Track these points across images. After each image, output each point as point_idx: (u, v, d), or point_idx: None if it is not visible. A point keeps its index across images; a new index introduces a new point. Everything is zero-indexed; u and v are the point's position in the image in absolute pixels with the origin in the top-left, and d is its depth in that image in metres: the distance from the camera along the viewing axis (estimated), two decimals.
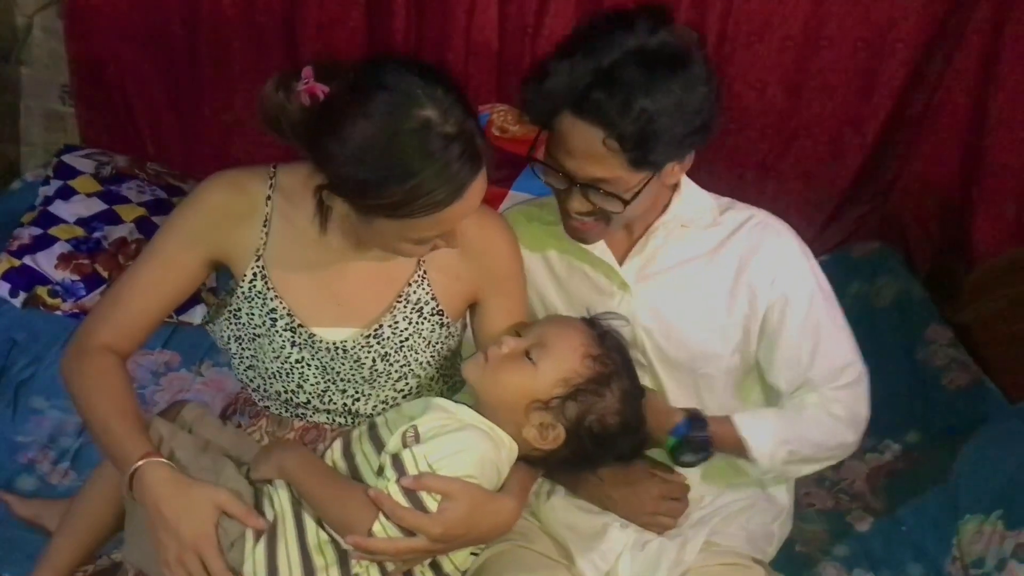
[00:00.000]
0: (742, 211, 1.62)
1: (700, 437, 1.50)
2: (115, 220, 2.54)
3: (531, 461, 1.47)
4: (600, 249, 1.58)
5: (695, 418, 1.51)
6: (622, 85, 1.35)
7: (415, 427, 1.40)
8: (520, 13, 2.61)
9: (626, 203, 1.43)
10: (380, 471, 1.39)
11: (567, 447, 1.43)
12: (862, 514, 2.02)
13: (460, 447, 1.37)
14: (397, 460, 1.36)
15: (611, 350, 1.46)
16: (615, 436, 1.44)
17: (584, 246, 1.58)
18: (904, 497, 2.03)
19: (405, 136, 1.28)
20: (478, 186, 1.35)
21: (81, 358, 1.49)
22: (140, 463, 1.37)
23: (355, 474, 1.43)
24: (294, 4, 2.66)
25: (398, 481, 1.34)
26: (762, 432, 1.53)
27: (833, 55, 2.55)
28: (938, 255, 2.72)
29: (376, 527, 1.33)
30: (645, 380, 1.58)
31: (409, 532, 1.34)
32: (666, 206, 1.58)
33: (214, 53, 2.77)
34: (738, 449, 1.53)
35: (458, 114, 1.31)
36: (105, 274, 2.43)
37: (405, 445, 1.38)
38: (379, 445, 1.43)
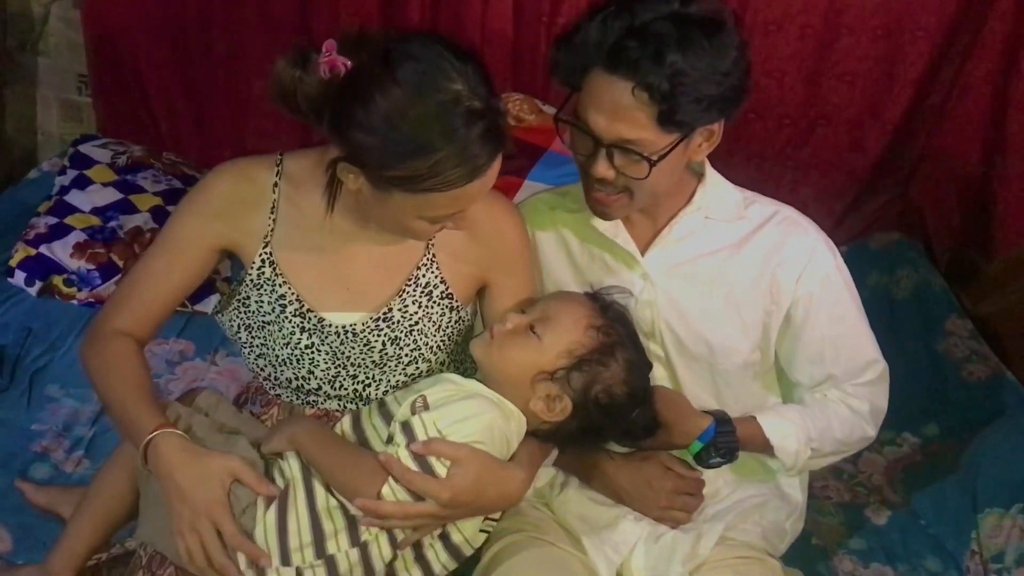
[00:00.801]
0: (767, 206, 1.59)
1: (728, 441, 1.50)
2: (131, 209, 2.55)
3: (541, 436, 1.47)
4: (623, 239, 1.57)
5: (722, 421, 1.51)
6: (655, 38, 1.34)
7: (423, 396, 1.41)
8: (536, 2, 2.59)
9: (652, 164, 1.40)
10: (390, 440, 1.39)
11: (575, 419, 1.43)
12: (879, 507, 2.00)
13: (468, 413, 1.39)
14: (407, 426, 1.37)
15: (614, 321, 1.46)
16: (622, 407, 1.44)
17: (607, 235, 1.57)
18: (922, 490, 2.01)
19: (433, 108, 1.27)
20: (495, 167, 1.34)
21: (99, 342, 1.50)
22: (155, 433, 1.39)
23: (365, 445, 1.44)
24: None
25: (408, 446, 1.35)
26: (787, 432, 1.52)
27: (852, 43, 2.52)
28: (959, 246, 2.68)
29: (385, 490, 1.34)
30: (661, 373, 1.58)
31: (418, 497, 1.35)
32: (690, 197, 1.56)
33: (230, 44, 2.78)
34: (764, 449, 1.53)
35: (484, 93, 1.30)
36: (121, 263, 2.44)
37: (414, 413, 1.39)
38: (388, 418, 1.44)
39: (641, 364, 1.47)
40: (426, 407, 1.39)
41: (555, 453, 1.53)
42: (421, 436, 1.36)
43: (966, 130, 2.58)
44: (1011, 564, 1.75)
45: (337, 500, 1.38)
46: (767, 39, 2.54)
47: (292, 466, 1.42)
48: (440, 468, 1.35)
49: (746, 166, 2.62)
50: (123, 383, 1.46)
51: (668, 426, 1.50)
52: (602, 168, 1.43)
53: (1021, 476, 1.86)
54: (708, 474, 1.59)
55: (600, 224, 1.56)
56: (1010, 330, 2.40)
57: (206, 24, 2.78)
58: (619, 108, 1.37)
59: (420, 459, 1.35)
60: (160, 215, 2.53)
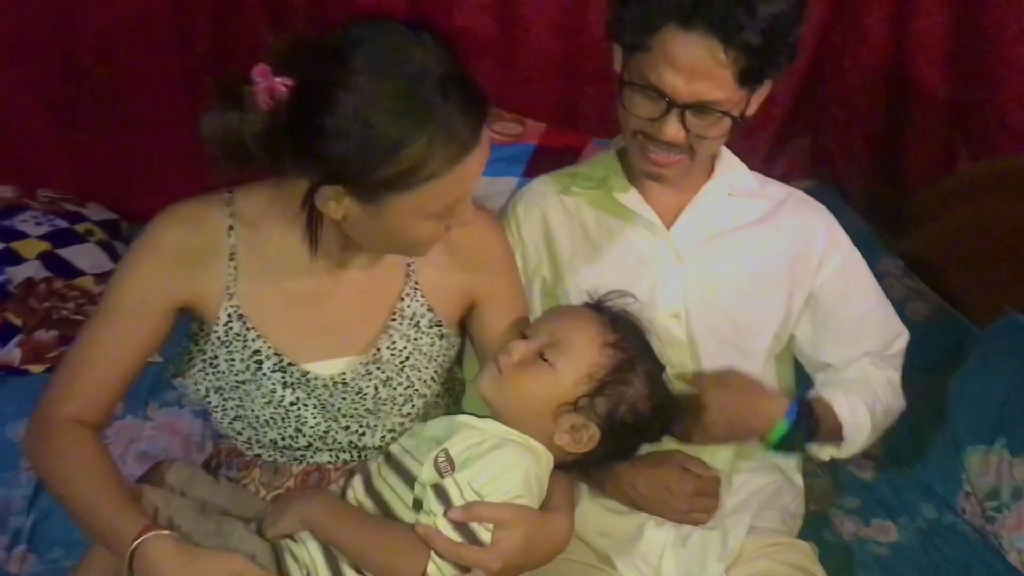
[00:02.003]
0: (780, 187, 1.62)
1: (811, 420, 1.46)
2: (16, 259, 2.29)
3: (565, 467, 1.38)
4: (648, 213, 1.52)
5: (800, 401, 1.47)
6: None
7: (446, 451, 1.29)
8: None
9: (737, 121, 1.37)
10: (418, 505, 1.28)
11: (603, 445, 1.35)
12: (861, 461, 1.99)
13: (503, 467, 1.27)
14: (440, 490, 1.25)
15: (627, 333, 1.38)
16: (650, 421, 1.37)
17: (634, 208, 1.52)
18: (899, 437, 2.02)
19: (404, 85, 1.15)
20: (486, 133, 1.22)
21: (46, 436, 1.32)
22: (140, 539, 1.22)
23: (386, 512, 1.31)
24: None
25: (445, 514, 1.23)
26: (855, 406, 1.50)
27: None
28: (871, 186, 2.73)
29: (431, 569, 1.22)
30: (682, 359, 1.53)
31: (464, 568, 1.24)
32: (710, 173, 1.54)
33: (99, 63, 2.51)
34: (832, 430, 1.50)
35: (449, 57, 1.19)
36: (18, 322, 2.19)
37: (440, 473, 1.27)
38: (406, 476, 1.32)
39: (659, 372, 1.39)
40: (451, 464, 1.27)
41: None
42: (457, 500, 1.24)
43: (868, 71, 2.61)
44: (1008, 500, 1.78)
45: None
46: None
47: (311, 549, 1.27)
48: (484, 533, 1.23)
49: None
50: (88, 482, 1.28)
51: (742, 413, 1.45)
52: (673, 130, 1.37)
53: (996, 410, 1.90)
54: (719, 468, 1.54)
55: (626, 199, 1.52)
56: (936, 264, 2.45)
57: (66, 44, 2.51)
58: (700, 67, 1.31)
59: (462, 527, 1.23)
60: (52, 261, 2.29)
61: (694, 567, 1.48)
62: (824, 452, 1.54)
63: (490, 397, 1.35)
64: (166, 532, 1.24)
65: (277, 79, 1.19)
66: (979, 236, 2.35)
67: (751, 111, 1.44)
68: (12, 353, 2.14)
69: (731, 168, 1.57)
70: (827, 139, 2.75)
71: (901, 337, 1.60)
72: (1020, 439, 1.83)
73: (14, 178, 2.62)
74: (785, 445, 1.46)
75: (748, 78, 1.33)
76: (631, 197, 1.54)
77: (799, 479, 1.65)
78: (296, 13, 2.45)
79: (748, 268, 1.52)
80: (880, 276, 2.36)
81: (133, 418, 2.08)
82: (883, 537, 1.83)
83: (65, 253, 2.33)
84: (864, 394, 1.53)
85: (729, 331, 1.51)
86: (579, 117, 2.59)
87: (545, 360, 1.33)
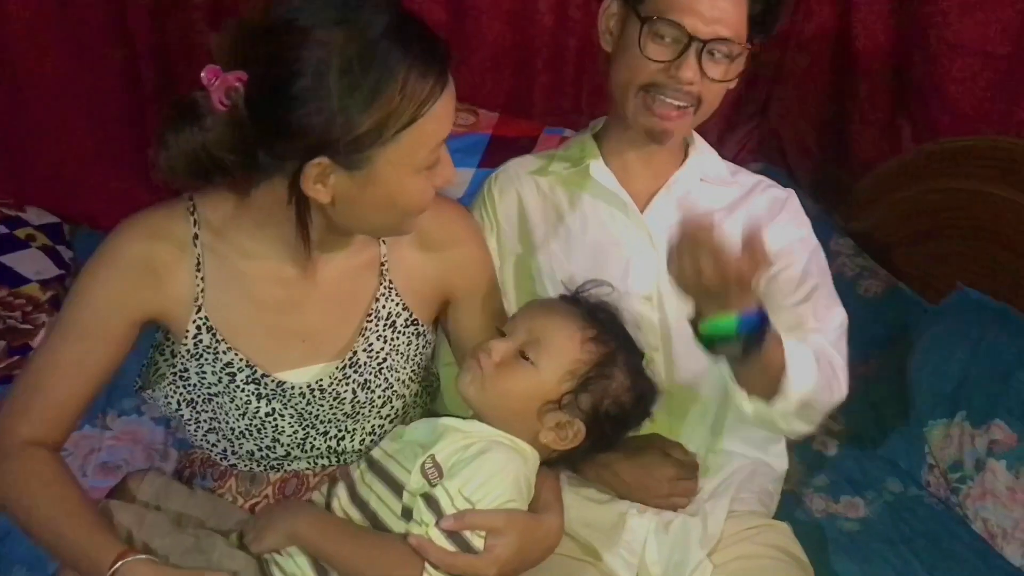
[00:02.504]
0: (750, 175, 1.65)
1: (761, 334, 1.29)
2: None
3: (552, 463, 1.38)
4: (623, 195, 1.54)
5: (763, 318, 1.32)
6: None
7: (433, 457, 1.27)
8: None
9: (749, 58, 1.43)
10: (406, 514, 1.25)
11: (588, 439, 1.35)
12: (825, 439, 2.03)
13: (492, 471, 1.26)
14: (431, 499, 1.23)
15: (606, 325, 1.37)
16: (633, 411, 1.37)
17: (609, 187, 1.54)
18: (860, 414, 2.06)
19: (365, 31, 1.12)
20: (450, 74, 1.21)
21: (8, 461, 1.26)
22: (115, 567, 1.17)
23: (374, 522, 1.28)
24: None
25: (438, 524, 1.21)
26: (805, 361, 1.40)
27: None
28: (819, 167, 2.77)
29: None
30: (656, 342, 1.53)
31: None
32: (683, 159, 1.57)
33: (31, 62, 2.42)
34: (770, 371, 1.36)
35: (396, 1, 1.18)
36: None
37: (429, 480, 1.25)
38: (392, 484, 1.29)
39: (639, 361, 1.39)
40: (438, 470, 1.25)
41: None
42: (448, 509, 1.22)
43: (814, 53, 2.64)
44: (971, 471, 1.83)
45: None
46: None
47: (299, 564, 1.24)
48: (477, 541, 1.22)
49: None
50: (54, 508, 1.23)
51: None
52: (691, 71, 1.41)
53: (955, 384, 1.94)
54: (696, 450, 1.56)
55: (603, 178, 1.54)
56: (886, 243, 2.50)
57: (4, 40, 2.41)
58: (719, 5, 1.38)
59: (454, 535, 1.21)
60: None
61: (677, 553, 1.48)
62: (749, 404, 1.40)
63: (472, 398, 1.33)
64: (143, 557, 1.19)
65: (229, 75, 1.15)
66: (926, 214, 2.40)
67: (734, 75, 1.48)
68: None
69: (703, 155, 1.60)
70: (775, 122, 2.78)
71: (839, 315, 1.55)
72: (980, 411, 1.87)
73: None
74: (720, 339, 1.27)
75: (757, 24, 1.42)
76: (607, 178, 1.55)
77: (775, 460, 1.65)
78: (238, 9, 2.39)
79: None
80: (832, 256, 2.41)
81: (91, 428, 2.02)
82: (852, 513, 1.86)
83: (7, 260, 2.24)
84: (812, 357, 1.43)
85: None
86: (531, 106, 2.58)
87: (526, 359, 1.31)
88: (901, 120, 2.57)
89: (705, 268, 1.19)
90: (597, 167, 1.56)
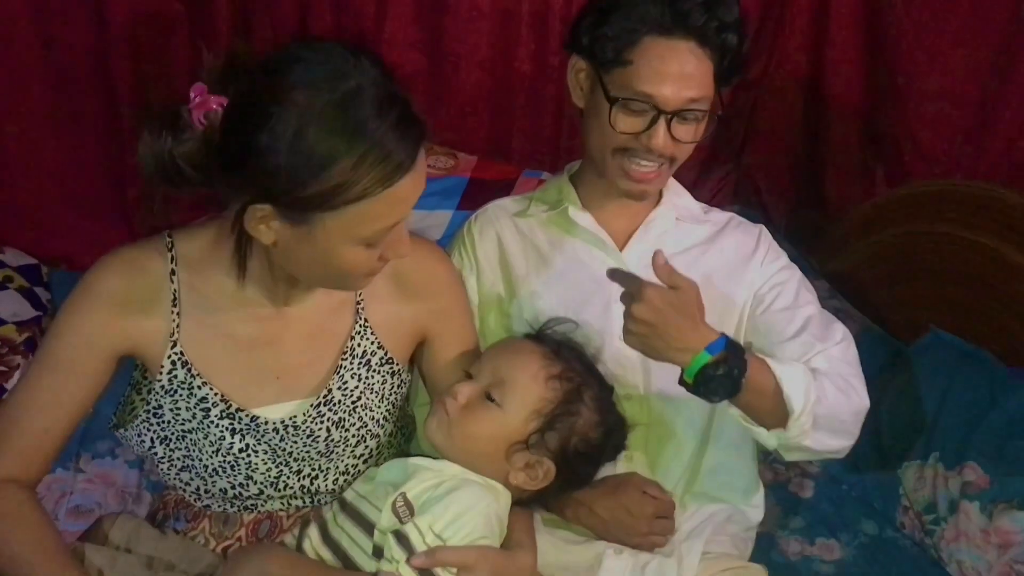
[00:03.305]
0: (722, 213, 1.68)
1: (738, 362, 1.33)
2: None
3: (524, 502, 1.38)
4: (602, 234, 1.56)
5: (727, 338, 1.36)
6: None
7: (404, 495, 1.27)
8: (358, 19, 2.44)
9: (713, 118, 1.44)
10: (378, 553, 1.25)
11: (559, 477, 1.35)
12: (802, 480, 2.04)
13: (462, 508, 1.26)
14: (401, 536, 1.23)
15: (570, 361, 1.38)
16: (601, 446, 1.38)
17: (590, 229, 1.56)
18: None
19: (339, 101, 1.13)
20: (423, 157, 1.20)
21: None
22: None
23: (346, 563, 1.28)
24: (104, 29, 2.35)
25: (408, 561, 1.21)
26: (795, 372, 1.40)
27: None
28: (794, 210, 2.80)
29: None
30: (635, 379, 1.54)
31: None
32: (659, 198, 1.59)
33: (9, 104, 2.42)
34: (769, 393, 1.37)
35: (386, 79, 1.18)
36: None
37: (400, 518, 1.25)
38: (364, 524, 1.29)
39: (606, 393, 1.40)
40: (410, 509, 1.25)
41: None
42: (419, 546, 1.22)
43: (787, 98, 2.68)
44: (945, 513, 1.83)
45: None
46: None
47: None
48: None
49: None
50: (24, 547, 1.24)
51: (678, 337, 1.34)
52: (662, 140, 1.42)
53: (928, 426, 1.96)
54: (673, 489, 1.56)
55: (581, 219, 1.56)
56: (861, 285, 2.52)
57: None
58: (687, 70, 1.39)
59: (424, 572, 1.21)
60: None
61: None
62: (771, 437, 1.42)
63: (439, 443, 1.33)
64: None
65: (212, 98, 1.19)
66: (899, 257, 2.43)
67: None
68: None
69: (677, 195, 1.64)
70: (751, 166, 2.81)
71: (840, 331, 1.54)
72: (953, 453, 1.89)
73: None
74: (705, 379, 1.32)
75: (723, 77, 1.43)
76: (585, 218, 1.57)
77: (751, 511, 1.64)
78: (223, 40, 2.42)
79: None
80: None
81: (64, 471, 1.99)
82: (828, 555, 1.87)
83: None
84: (811, 376, 1.42)
85: None
86: (510, 150, 2.60)
87: (492, 400, 1.32)
88: (874, 164, 2.60)
89: (635, 312, 1.30)
90: (576, 210, 1.59)
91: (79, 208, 2.52)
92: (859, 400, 1.49)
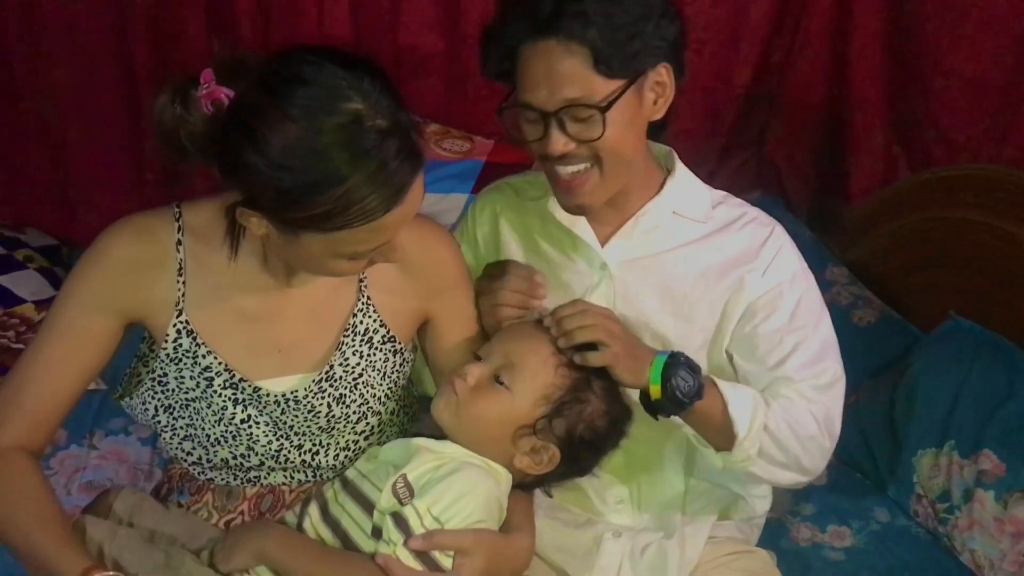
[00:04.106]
0: (734, 208, 1.56)
1: (691, 364, 1.34)
2: None
3: (524, 486, 1.37)
4: (581, 228, 1.50)
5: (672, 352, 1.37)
6: None
7: (404, 477, 1.27)
8: (375, 3, 2.44)
9: (603, 111, 1.33)
10: (376, 533, 1.25)
11: (562, 463, 1.34)
12: None
13: (462, 491, 1.25)
14: (400, 518, 1.23)
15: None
16: (607, 435, 1.37)
17: (564, 223, 1.50)
18: (850, 442, 2.04)
19: (331, 135, 1.13)
20: (417, 188, 1.20)
21: None
22: None
23: (345, 542, 1.28)
24: (124, 12, 2.38)
25: (406, 543, 1.21)
26: (743, 395, 1.40)
27: (696, 11, 2.52)
28: (816, 196, 2.77)
29: None
30: None
31: None
32: (659, 189, 1.50)
33: (33, 85, 2.46)
34: (717, 413, 1.38)
35: (389, 106, 1.16)
36: None
37: (400, 499, 1.24)
38: (364, 503, 1.29)
39: (614, 384, 1.37)
40: (410, 490, 1.25)
41: None
42: (417, 528, 1.22)
43: (810, 83, 2.64)
44: (959, 501, 1.81)
45: None
46: None
47: None
48: (445, 561, 1.22)
49: None
50: (26, 515, 1.24)
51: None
52: (558, 142, 1.36)
53: (944, 414, 1.92)
54: (677, 475, 1.53)
55: (559, 212, 1.49)
56: (881, 272, 2.49)
57: (2, 64, 2.45)
58: (555, 69, 1.33)
59: (422, 555, 1.21)
60: None
61: None
62: (718, 458, 1.42)
63: (446, 422, 1.33)
64: (111, 574, 1.20)
65: (220, 88, 1.19)
66: (920, 244, 2.39)
67: (657, 114, 1.42)
68: None
69: (682, 187, 1.53)
70: (772, 152, 2.77)
71: (828, 371, 1.48)
72: (969, 441, 1.86)
73: None
74: (665, 389, 1.32)
75: (603, 63, 1.32)
76: (564, 213, 1.50)
77: (757, 502, 1.60)
78: (240, 38, 2.43)
79: (680, 287, 1.49)
80: (827, 284, 2.43)
81: (78, 447, 2.03)
82: (838, 543, 1.84)
83: (4, 280, 2.27)
84: (763, 402, 1.41)
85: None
86: None
87: (501, 383, 1.31)
88: (896, 150, 2.57)
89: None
90: (556, 204, 1.52)
91: (99, 190, 2.56)
92: (812, 435, 1.44)
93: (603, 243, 1.51)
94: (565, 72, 1.32)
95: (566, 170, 1.40)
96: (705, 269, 1.49)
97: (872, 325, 2.33)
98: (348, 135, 1.13)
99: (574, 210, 1.46)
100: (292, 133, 1.12)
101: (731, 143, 2.74)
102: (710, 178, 2.77)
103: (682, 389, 1.32)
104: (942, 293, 2.28)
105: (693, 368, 1.34)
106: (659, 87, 1.40)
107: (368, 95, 1.15)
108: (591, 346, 1.31)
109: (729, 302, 1.49)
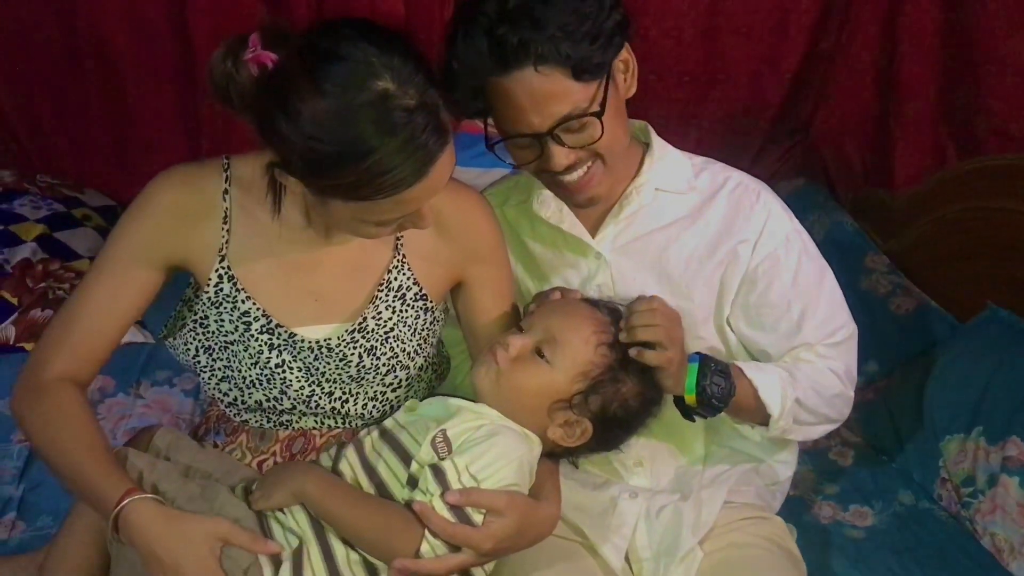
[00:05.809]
0: (719, 173, 1.56)
1: (720, 369, 1.40)
2: (14, 241, 2.33)
3: (553, 455, 1.42)
4: (568, 223, 1.53)
5: (705, 357, 1.43)
6: (519, 11, 1.32)
7: (444, 432, 1.31)
8: None
9: (599, 115, 1.36)
10: (411, 483, 1.30)
11: (594, 438, 1.39)
12: (843, 449, 2.04)
13: (499, 454, 1.30)
14: (438, 471, 1.28)
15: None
16: (639, 415, 1.41)
17: (551, 221, 1.54)
18: (879, 426, 2.05)
19: (361, 110, 1.17)
20: (445, 163, 1.24)
21: (36, 394, 1.34)
22: (124, 503, 1.24)
23: (380, 488, 1.33)
24: None
25: (443, 495, 1.26)
26: (770, 378, 1.46)
27: None
28: (860, 184, 2.75)
29: (424, 548, 1.26)
30: None
31: (455, 547, 1.27)
32: (638, 169, 1.53)
33: (96, 51, 2.55)
34: (750, 399, 1.45)
35: (419, 84, 1.20)
36: (14, 300, 2.22)
37: (438, 453, 1.30)
38: (401, 453, 1.34)
39: (649, 368, 1.39)
40: (448, 444, 1.30)
41: None
42: (455, 483, 1.26)
43: (859, 71, 2.63)
44: (984, 486, 1.80)
45: (359, 554, 1.28)
46: None
47: (299, 520, 1.29)
48: (477, 516, 1.27)
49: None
50: (73, 442, 1.31)
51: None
52: (561, 156, 1.39)
53: (974, 400, 1.92)
54: (699, 436, 1.56)
55: (544, 211, 1.53)
56: (922, 261, 2.48)
57: (68, 30, 2.54)
58: (538, 94, 1.35)
59: (456, 508, 1.26)
60: (49, 244, 2.32)
61: (668, 539, 1.49)
62: (755, 434, 1.50)
63: (486, 391, 1.37)
64: (149, 496, 1.26)
65: (265, 52, 1.23)
66: (961, 233, 2.38)
67: (631, 90, 1.45)
68: (7, 331, 2.17)
69: (660, 161, 1.53)
70: (817, 139, 2.77)
71: (843, 329, 1.53)
72: (997, 427, 1.85)
73: (14, 163, 2.67)
74: (701, 396, 1.39)
75: (582, 72, 1.35)
76: (549, 209, 1.54)
77: (780, 467, 1.63)
78: (293, 12, 2.49)
79: (674, 268, 1.52)
80: (866, 272, 2.43)
81: (124, 395, 2.11)
82: (859, 522, 1.85)
83: (62, 236, 2.36)
84: (787, 372, 1.47)
85: None
86: None
87: (542, 356, 1.35)
88: (946, 139, 2.54)
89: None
90: (541, 200, 1.55)
91: (157, 154, 2.64)
92: (839, 392, 1.52)
93: (593, 232, 1.54)
94: (549, 93, 1.35)
95: (572, 177, 1.43)
96: (696, 248, 1.52)
97: (909, 314, 2.32)
98: (376, 111, 1.17)
99: (586, 203, 1.49)
100: (321, 107, 1.17)
101: (776, 129, 2.75)
102: (753, 163, 2.81)
103: (717, 395, 1.39)
104: (982, 283, 2.27)
105: (723, 371, 1.40)
106: (624, 64, 1.43)
107: (399, 72, 1.19)
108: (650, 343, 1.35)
109: (725, 274, 1.51)
